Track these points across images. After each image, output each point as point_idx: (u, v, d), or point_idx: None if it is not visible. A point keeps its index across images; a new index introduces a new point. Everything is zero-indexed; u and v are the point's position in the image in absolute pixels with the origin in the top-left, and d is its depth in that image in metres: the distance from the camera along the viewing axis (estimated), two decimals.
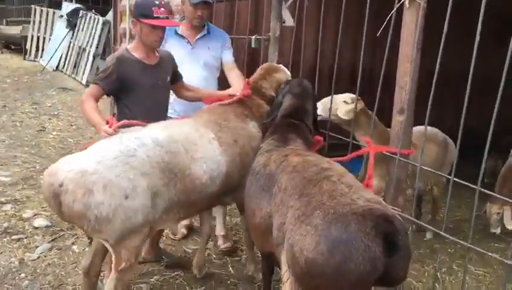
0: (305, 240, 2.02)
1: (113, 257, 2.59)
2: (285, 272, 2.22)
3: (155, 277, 3.51)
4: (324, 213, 2.03)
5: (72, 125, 8.02)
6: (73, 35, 12.27)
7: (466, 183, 2.66)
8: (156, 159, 2.63)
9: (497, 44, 3.23)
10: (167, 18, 3.19)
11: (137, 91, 3.20)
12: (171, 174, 2.68)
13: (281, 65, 3.68)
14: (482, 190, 2.63)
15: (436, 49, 2.74)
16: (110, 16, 10.21)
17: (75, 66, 11.84)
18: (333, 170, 2.34)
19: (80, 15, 12.08)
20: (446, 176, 2.90)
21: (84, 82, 10.95)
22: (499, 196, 3.41)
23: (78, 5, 12.80)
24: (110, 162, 2.46)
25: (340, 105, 3.73)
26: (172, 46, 3.81)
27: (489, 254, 2.60)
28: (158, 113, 3.27)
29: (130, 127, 2.86)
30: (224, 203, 3.57)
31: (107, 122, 2.81)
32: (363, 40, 3.31)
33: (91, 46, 11.14)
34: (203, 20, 3.91)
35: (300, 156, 2.56)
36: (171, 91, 3.55)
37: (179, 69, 3.55)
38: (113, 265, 2.61)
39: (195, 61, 3.93)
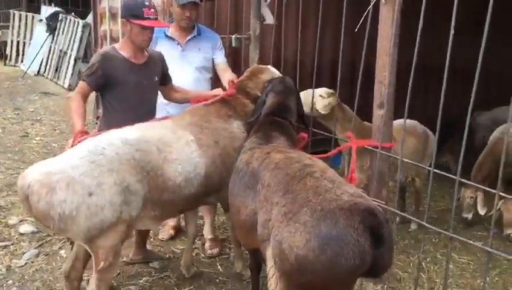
0: (294, 237, 2.04)
1: (92, 257, 2.63)
2: (270, 268, 2.25)
3: (144, 278, 3.52)
4: (312, 210, 2.06)
5: (55, 130, 7.94)
6: (53, 39, 12.13)
7: (446, 174, 2.73)
8: (126, 157, 2.66)
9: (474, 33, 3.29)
10: (156, 19, 3.24)
11: (121, 89, 3.23)
12: (143, 171, 2.71)
13: (269, 66, 3.68)
14: (462, 180, 2.69)
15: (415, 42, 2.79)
16: (90, 18, 10.12)
17: (56, 70, 11.72)
18: (315, 166, 2.38)
19: (60, 18, 11.95)
20: (426, 167, 2.95)
21: (66, 86, 10.86)
22: (470, 183, 3.47)
23: (58, 9, 12.65)
24: (76, 162, 2.53)
25: (317, 99, 3.78)
26: (163, 48, 3.82)
27: (471, 242, 2.66)
28: (141, 111, 3.29)
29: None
30: (208, 203, 3.59)
31: (75, 136, 2.91)
32: (341, 36, 3.36)
33: (72, 49, 11.04)
34: (191, 21, 3.91)
35: (282, 153, 2.58)
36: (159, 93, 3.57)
37: (169, 71, 3.58)
38: (93, 266, 2.65)
39: (186, 63, 3.93)
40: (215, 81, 4.15)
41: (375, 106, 3.20)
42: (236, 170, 2.75)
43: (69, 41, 11.22)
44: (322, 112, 3.78)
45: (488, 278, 3.70)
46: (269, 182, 2.38)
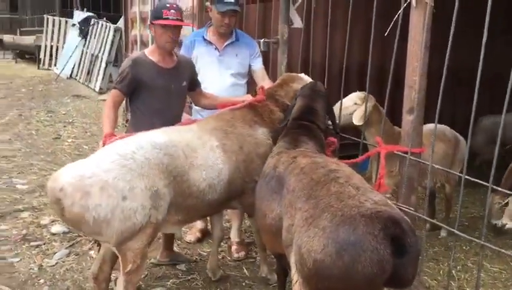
0: (313, 242, 2.04)
1: (120, 259, 2.66)
2: (294, 274, 2.24)
3: (171, 280, 3.55)
4: (332, 215, 2.05)
5: (86, 132, 8.13)
6: (85, 43, 12.42)
7: (477, 180, 2.66)
8: (155, 161, 2.69)
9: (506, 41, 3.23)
10: (177, 19, 3.28)
11: (148, 93, 3.30)
12: (171, 176, 2.74)
13: (301, 75, 3.67)
14: (495, 187, 2.62)
15: (445, 48, 2.74)
16: (121, 23, 10.32)
17: (88, 74, 12.00)
18: (341, 172, 2.36)
19: (92, 23, 12.24)
20: (457, 173, 2.89)
21: (97, 89, 11.09)
22: (502, 190, 3.38)
23: (90, 14, 12.97)
24: (107, 165, 2.55)
25: (351, 109, 3.72)
26: (200, 52, 3.90)
27: (503, 251, 2.59)
28: (168, 116, 3.34)
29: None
30: (230, 208, 3.60)
31: (104, 139, 2.97)
32: (371, 40, 3.33)
33: (103, 53, 11.28)
34: (230, 27, 3.93)
35: (308, 157, 2.58)
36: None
37: (206, 75, 3.65)
38: (121, 268, 2.68)
39: (223, 68, 3.95)
40: (251, 86, 4.15)
41: (405, 111, 3.16)
42: (264, 174, 2.75)
43: (101, 45, 11.47)
44: (358, 123, 3.69)
45: None
46: (294, 187, 2.38)
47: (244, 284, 3.56)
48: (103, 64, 11.17)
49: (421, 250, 2.16)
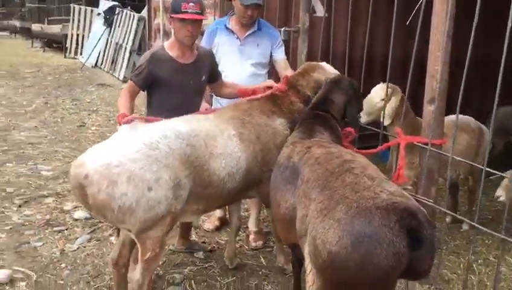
0: (328, 233, 2.01)
1: (139, 247, 2.69)
2: (308, 264, 2.24)
3: (188, 268, 3.59)
4: (347, 207, 2.02)
5: (110, 120, 8.23)
6: (110, 32, 12.55)
7: (498, 173, 2.61)
8: (178, 152, 2.69)
9: None
10: (197, 13, 3.22)
11: (164, 88, 3.29)
12: (192, 166, 2.75)
13: (322, 64, 3.59)
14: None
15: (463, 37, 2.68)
16: (144, 12, 10.39)
17: (112, 63, 12.13)
18: (356, 162, 2.33)
19: (116, 12, 12.34)
20: (478, 165, 2.83)
21: (121, 78, 11.20)
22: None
23: (115, 3, 13.08)
24: (134, 155, 2.54)
25: (378, 105, 3.68)
26: (221, 40, 3.89)
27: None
28: (184, 112, 3.25)
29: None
30: (248, 197, 3.60)
31: (118, 119, 2.92)
32: (392, 29, 3.27)
33: (127, 42, 11.38)
34: (253, 19, 3.90)
35: (323, 147, 2.55)
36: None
37: (226, 64, 3.61)
38: (139, 255, 2.71)
39: (243, 58, 3.93)
40: (273, 76, 4.12)
41: (426, 101, 3.10)
42: (278, 164, 2.74)
43: (125, 34, 11.57)
44: (389, 122, 3.65)
45: None
46: (308, 177, 2.36)
47: (260, 273, 3.57)
48: (127, 53, 11.27)
49: (438, 242, 2.10)
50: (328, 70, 3.49)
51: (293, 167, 2.55)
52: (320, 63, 3.59)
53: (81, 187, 2.50)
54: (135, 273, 2.73)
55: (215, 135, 2.96)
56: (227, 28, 3.95)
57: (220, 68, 3.68)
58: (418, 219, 1.94)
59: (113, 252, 3.01)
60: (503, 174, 2.55)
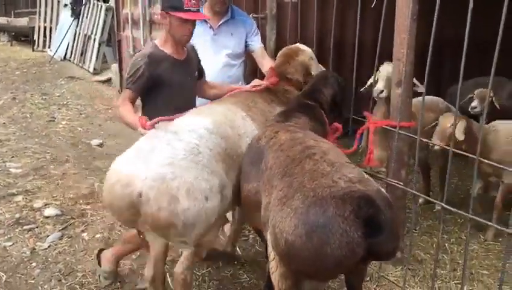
0: (285, 222, 2.03)
1: (185, 253, 2.53)
2: (271, 251, 2.25)
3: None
4: (304, 196, 2.03)
5: (81, 114, 8.07)
6: (78, 23, 12.25)
7: (464, 153, 2.64)
8: (217, 150, 2.57)
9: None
10: (198, 11, 3.03)
11: (166, 90, 3.06)
12: (230, 160, 2.64)
13: (298, 46, 3.51)
14: (482, 159, 2.59)
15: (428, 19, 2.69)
16: (112, 1, 10.16)
17: (81, 55, 11.86)
18: (317, 148, 2.32)
19: (83, 2, 12.04)
20: (445, 146, 2.86)
21: (91, 70, 10.97)
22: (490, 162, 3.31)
23: None
24: (183, 164, 2.35)
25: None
26: (195, 31, 3.76)
27: (490, 223, 2.58)
28: (186, 110, 3.08)
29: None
30: None
31: (141, 123, 2.64)
32: (357, 13, 3.27)
33: (96, 33, 11.13)
34: (226, 4, 3.77)
35: (289, 132, 2.54)
36: None
37: (200, 55, 3.39)
38: (184, 256, 2.54)
39: (217, 48, 3.81)
40: (250, 65, 4.04)
41: (393, 84, 3.12)
42: (248, 145, 2.73)
43: (93, 25, 11.31)
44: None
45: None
46: (271, 164, 2.36)
47: (236, 262, 3.55)
48: (96, 45, 11.03)
49: (411, 223, 2.10)
50: (307, 50, 3.43)
51: (258, 149, 2.55)
52: (297, 45, 3.52)
53: (132, 207, 2.28)
54: (179, 267, 2.55)
55: (233, 117, 2.85)
56: None
57: None
58: (375, 206, 1.93)
59: (148, 271, 2.72)
60: (470, 155, 2.57)
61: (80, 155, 5.94)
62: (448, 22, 4.26)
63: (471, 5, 2.38)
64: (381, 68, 3.53)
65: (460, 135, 3.48)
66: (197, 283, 3.27)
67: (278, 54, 3.54)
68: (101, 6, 11.00)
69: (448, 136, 3.57)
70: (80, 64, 11.69)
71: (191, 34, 3.07)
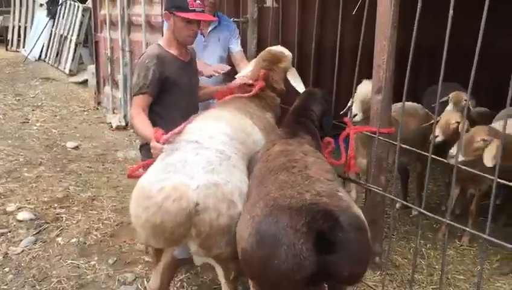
0: (244, 229, 2.02)
1: (221, 270, 2.47)
2: None
3: (140, 266, 3.49)
4: (264, 205, 2.01)
5: (56, 116, 7.93)
6: (54, 23, 12.05)
7: (443, 160, 2.67)
8: (240, 154, 2.53)
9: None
10: (203, 11, 2.99)
11: (174, 92, 3.01)
12: (247, 163, 2.61)
13: (279, 48, 3.42)
14: (460, 166, 2.62)
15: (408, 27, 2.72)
16: (89, 2, 10.02)
17: (57, 55, 11.65)
18: (300, 162, 2.28)
19: (60, 2, 11.84)
20: (423, 153, 2.89)
21: (67, 71, 10.79)
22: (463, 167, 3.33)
23: None
24: (224, 169, 2.30)
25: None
26: None
27: (468, 229, 2.61)
28: (190, 115, 2.99)
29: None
30: None
31: (158, 137, 2.54)
32: (339, 19, 3.29)
33: (72, 34, 10.96)
34: (215, 6, 3.76)
35: (283, 145, 2.51)
36: None
37: None
38: (223, 278, 2.49)
39: (208, 55, 3.81)
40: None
41: (374, 91, 3.15)
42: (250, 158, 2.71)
43: (70, 26, 11.13)
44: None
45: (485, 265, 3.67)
46: (253, 174, 2.38)
47: None
48: (72, 46, 10.86)
49: (367, 247, 1.99)
50: (289, 56, 3.37)
51: (255, 162, 2.54)
52: (281, 50, 3.40)
53: (189, 220, 2.15)
54: None
55: (244, 125, 2.82)
56: None
57: None
58: (334, 221, 1.85)
59: (154, 282, 2.68)
60: (447, 161, 2.61)
61: (54, 158, 5.83)
62: (425, 29, 4.33)
63: (451, 12, 2.41)
64: (358, 88, 3.54)
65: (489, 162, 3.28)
66: (175, 288, 3.24)
67: (262, 56, 3.40)
68: (78, 7, 10.84)
69: (451, 131, 3.72)
70: (55, 65, 11.49)
71: (196, 34, 3.04)
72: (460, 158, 3.20)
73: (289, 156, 2.35)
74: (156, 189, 2.18)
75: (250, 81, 3.26)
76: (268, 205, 1.99)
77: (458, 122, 3.77)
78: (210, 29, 3.82)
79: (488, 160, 3.28)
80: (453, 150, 3.30)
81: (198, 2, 2.90)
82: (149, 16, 6.37)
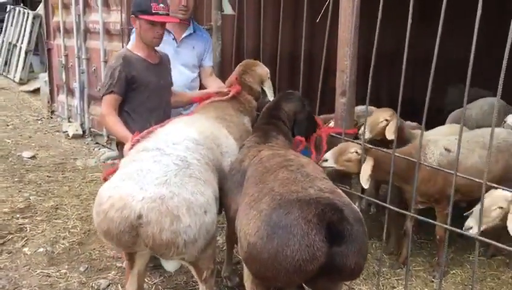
0: (249, 225, 2.03)
1: (194, 270, 2.53)
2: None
3: (112, 272, 3.49)
4: (271, 199, 2.04)
5: (8, 126, 7.71)
6: (1, 31, 11.67)
7: (406, 157, 2.86)
8: (204, 160, 2.54)
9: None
10: (167, 15, 3.12)
11: (141, 91, 3.13)
12: (215, 170, 2.63)
13: (257, 61, 3.63)
14: (423, 163, 2.81)
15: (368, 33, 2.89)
16: (41, 9, 9.79)
17: (6, 64, 11.29)
18: (296, 161, 2.37)
19: (7, 10, 11.49)
20: (386, 151, 3.08)
21: (17, 80, 10.48)
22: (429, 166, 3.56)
23: (4, 0, 12.17)
24: (177, 180, 2.29)
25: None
26: None
27: (430, 221, 2.79)
28: (161, 114, 3.18)
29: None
30: None
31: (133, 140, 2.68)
32: (303, 27, 3.43)
33: (22, 42, 10.65)
34: (189, 10, 3.77)
35: (271, 150, 2.60)
36: None
37: None
38: (196, 277, 2.56)
39: (180, 61, 3.82)
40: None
41: (338, 94, 3.30)
42: (230, 168, 2.75)
43: (19, 33, 10.82)
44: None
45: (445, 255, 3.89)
46: (249, 175, 2.41)
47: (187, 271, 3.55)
48: (22, 54, 10.56)
49: (367, 241, 2.07)
50: (264, 67, 3.54)
51: (243, 171, 2.56)
52: (256, 61, 3.63)
53: (132, 230, 2.18)
54: None
55: (218, 134, 2.87)
56: None
57: None
58: (342, 214, 1.93)
59: (131, 285, 2.70)
60: (412, 159, 2.78)
61: (10, 168, 5.68)
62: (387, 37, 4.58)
63: (410, 20, 2.61)
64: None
65: (390, 134, 3.49)
66: None
67: (238, 65, 3.61)
68: (28, 14, 10.57)
69: (378, 131, 3.64)
70: (4, 74, 11.13)
71: (161, 37, 3.18)
72: (368, 135, 3.51)
73: (283, 156, 2.43)
74: (106, 196, 2.24)
75: (225, 90, 3.40)
76: (276, 199, 2.02)
77: (387, 120, 3.63)
78: (184, 35, 3.85)
79: (390, 134, 3.52)
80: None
81: (162, 5, 3.08)
82: (107, 23, 6.33)
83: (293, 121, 3.08)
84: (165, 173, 2.29)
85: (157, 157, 2.39)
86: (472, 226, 2.76)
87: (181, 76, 3.78)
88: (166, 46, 3.67)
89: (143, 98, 3.15)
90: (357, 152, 3.13)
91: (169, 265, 3.28)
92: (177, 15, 3.70)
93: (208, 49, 4.01)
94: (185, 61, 3.86)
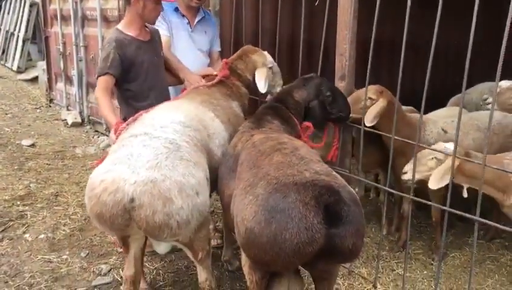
0: (246, 210, 2.02)
1: (189, 252, 2.55)
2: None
3: (113, 257, 3.51)
4: (267, 183, 2.03)
5: (7, 114, 7.69)
6: None
7: (404, 140, 2.86)
8: (193, 142, 2.56)
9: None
10: None
11: (137, 71, 3.18)
12: (204, 151, 2.65)
13: (259, 49, 3.56)
14: (420, 145, 2.83)
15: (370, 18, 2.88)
16: None
17: (3, 52, 11.24)
18: (289, 144, 2.36)
19: None
20: (385, 134, 3.09)
21: (15, 68, 10.43)
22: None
23: None
24: (168, 163, 2.30)
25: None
26: (174, 20, 3.75)
27: (428, 203, 2.81)
28: (161, 91, 3.25)
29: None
30: None
31: (116, 128, 2.72)
32: (302, 11, 3.42)
33: (19, 30, 10.59)
34: (203, 1, 3.82)
35: (264, 134, 2.60)
36: None
37: (178, 48, 3.57)
38: (192, 259, 2.59)
39: (194, 45, 3.85)
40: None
41: (337, 78, 3.31)
42: (225, 154, 2.75)
43: (16, 21, 10.75)
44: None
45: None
46: (243, 160, 2.40)
47: None
48: (20, 42, 10.50)
49: (364, 222, 2.05)
50: (266, 55, 3.48)
51: (236, 156, 2.56)
52: (258, 48, 3.55)
53: (125, 213, 2.21)
54: (201, 277, 2.62)
55: (203, 117, 2.88)
56: (177, 11, 3.80)
57: (172, 50, 3.64)
58: (339, 196, 1.93)
59: (129, 270, 2.70)
60: (411, 142, 2.79)
61: (10, 156, 5.68)
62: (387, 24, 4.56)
63: (408, 8, 2.60)
64: None
65: (368, 121, 3.22)
66: (151, 276, 3.29)
67: (240, 49, 3.59)
68: (25, 2, 10.49)
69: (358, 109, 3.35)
70: (2, 63, 11.08)
71: (160, 14, 3.29)
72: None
73: (275, 140, 2.43)
74: (98, 181, 2.25)
75: (215, 72, 3.41)
76: (272, 183, 2.02)
77: (371, 99, 3.32)
78: (197, 20, 3.86)
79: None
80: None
81: None
82: (104, 9, 6.29)
83: (305, 108, 3.03)
84: (155, 156, 2.31)
85: (146, 141, 2.41)
86: (407, 171, 2.89)
87: (196, 61, 3.79)
88: (181, 30, 3.76)
89: (139, 77, 3.21)
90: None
91: (161, 248, 3.29)
92: (191, 3, 3.74)
93: (216, 34, 4.03)
94: (200, 46, 3.89)
